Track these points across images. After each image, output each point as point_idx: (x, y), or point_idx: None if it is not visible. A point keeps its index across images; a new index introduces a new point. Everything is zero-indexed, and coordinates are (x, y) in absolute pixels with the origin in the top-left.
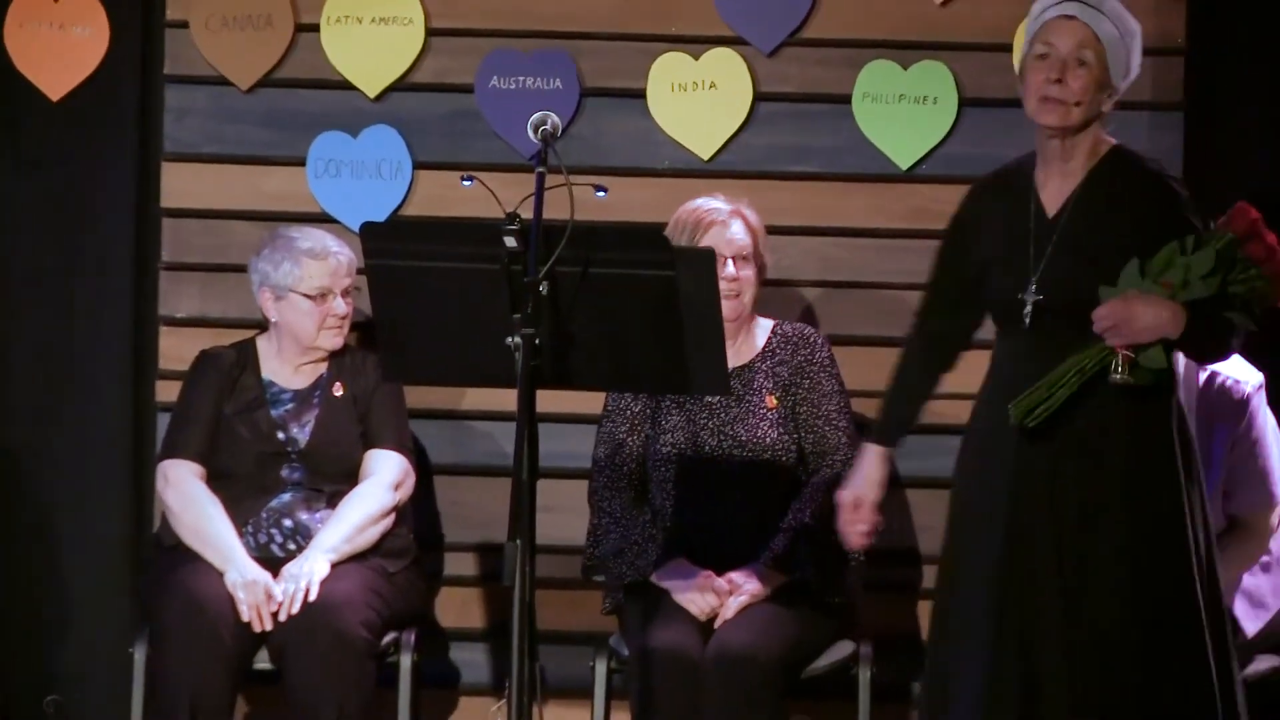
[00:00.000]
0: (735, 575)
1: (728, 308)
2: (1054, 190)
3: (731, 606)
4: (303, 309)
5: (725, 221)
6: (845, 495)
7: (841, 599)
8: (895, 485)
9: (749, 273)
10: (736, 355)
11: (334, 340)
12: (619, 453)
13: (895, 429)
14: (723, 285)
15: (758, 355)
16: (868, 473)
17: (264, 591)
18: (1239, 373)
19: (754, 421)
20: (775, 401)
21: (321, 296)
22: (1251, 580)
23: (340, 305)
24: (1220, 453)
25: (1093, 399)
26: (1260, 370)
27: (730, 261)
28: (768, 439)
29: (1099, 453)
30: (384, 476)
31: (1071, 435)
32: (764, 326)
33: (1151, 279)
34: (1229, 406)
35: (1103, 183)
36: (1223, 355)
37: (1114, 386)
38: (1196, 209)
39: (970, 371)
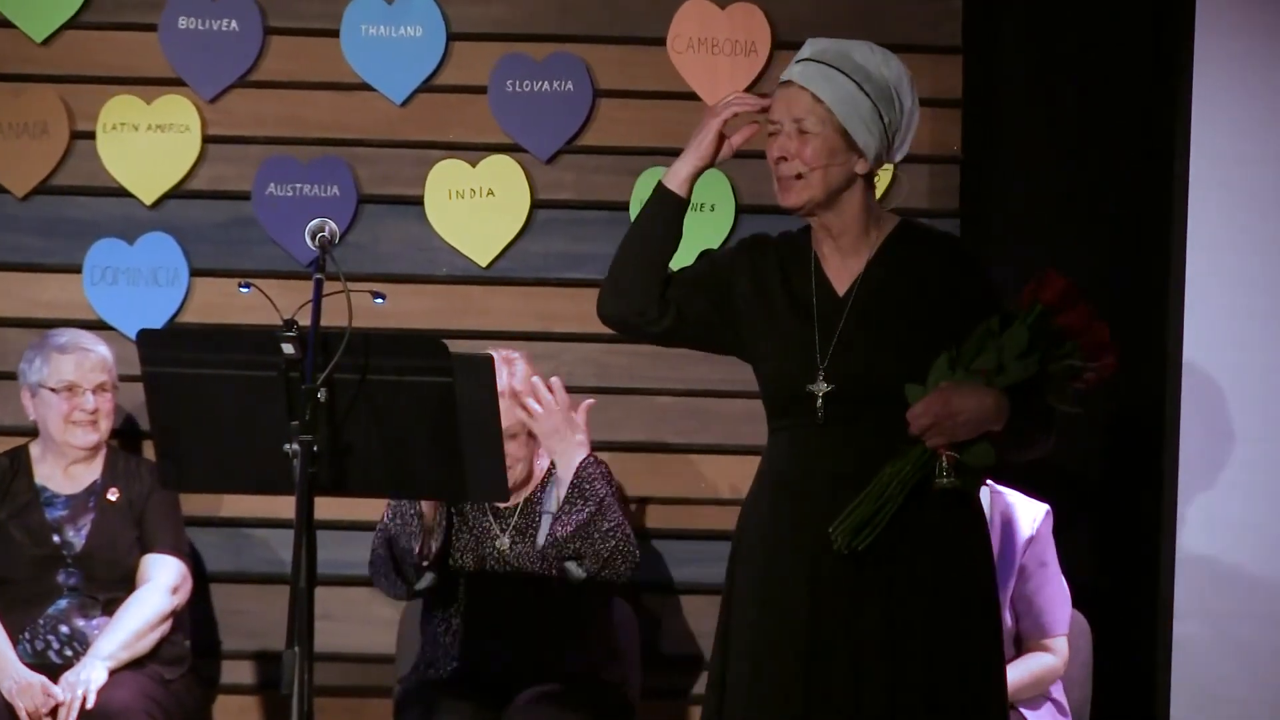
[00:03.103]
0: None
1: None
2: (837, 267)
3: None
4: (50, 403)
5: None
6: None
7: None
8: (670, 592)
9: (520, 450)
10: (519, 491)
11: (85, 437)
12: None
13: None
14: None
15: (537, 486)
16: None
17: (41, 692)
18: (1024, 504)
19: (538, 554)
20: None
21: (69, 390)
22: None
23: (89, 400)
24: (1006, 580)
25: (907, 507)
26: (1050, 499)
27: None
28: (554, 570)
29: (907, 564)
30: (161, 580)
31: (874, 546)
32: (543, 460)
33: (964, 367)
34: (1016, 535)
35: (895, 259)
36: (1043, 446)
37: (930, 493)
38: (994, 283)
39: (743, 479)
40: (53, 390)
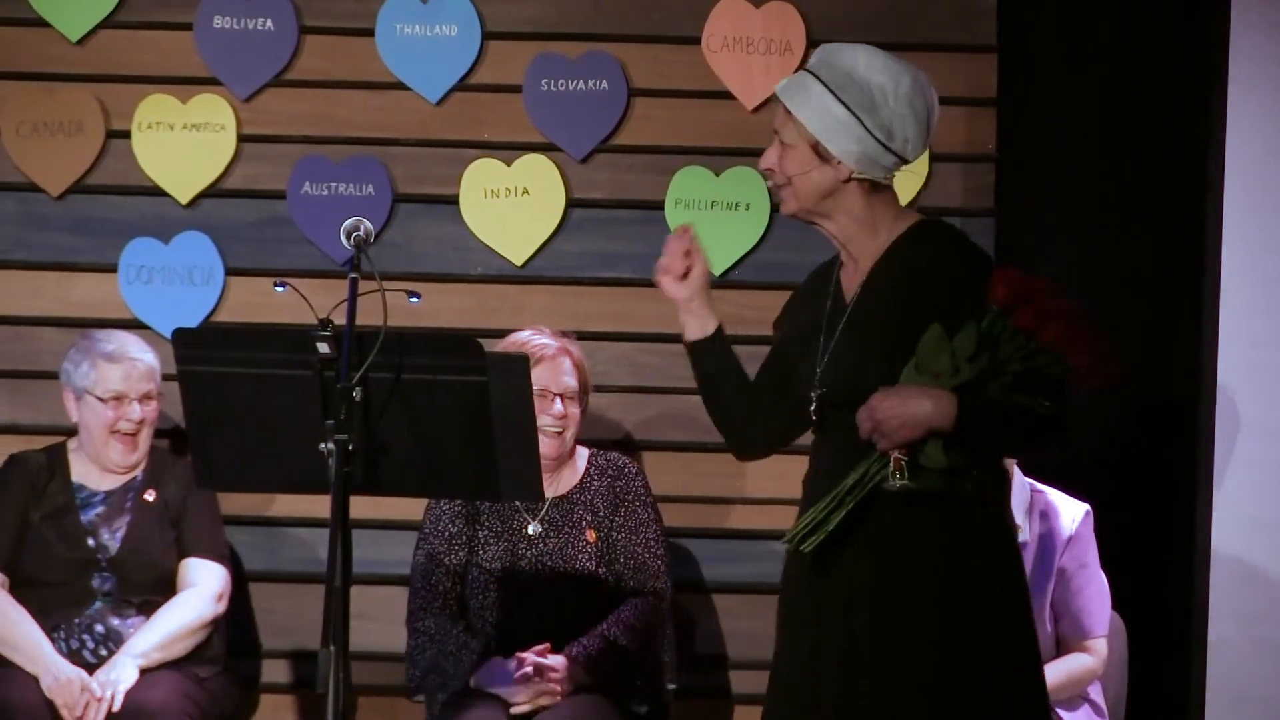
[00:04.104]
0: (550, 662)
1: (550, 445)
2: (850, 276)
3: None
4: (95, 410)
5: (555, 359)
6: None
7: (652, 707)
8: (701, 591)
9: (575, 411)
10: (556, 486)
11: (125, 457)
12: (434, 572)
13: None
14: (548, 421)
15: (576, 486)
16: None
17: (79, 687)
18: (1065, 503)
19: (572, 553)
20: (595, 535)
21: (116, 400)
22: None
23: (135, 410)
24: (1045, 581)
25: (881, 512)
26: (1085, 500)
27: (558, 399)
28: (585, 570)
29: (895, 575)
30: (206, 588)
31: (862, 558)
32: (581, 455)
33: (921, 370)
34: (1055, 536)
35: (896, 262)
36: (1028, 445)
37: (900, 496)
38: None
39: (775, 478)
40: (99, 399)
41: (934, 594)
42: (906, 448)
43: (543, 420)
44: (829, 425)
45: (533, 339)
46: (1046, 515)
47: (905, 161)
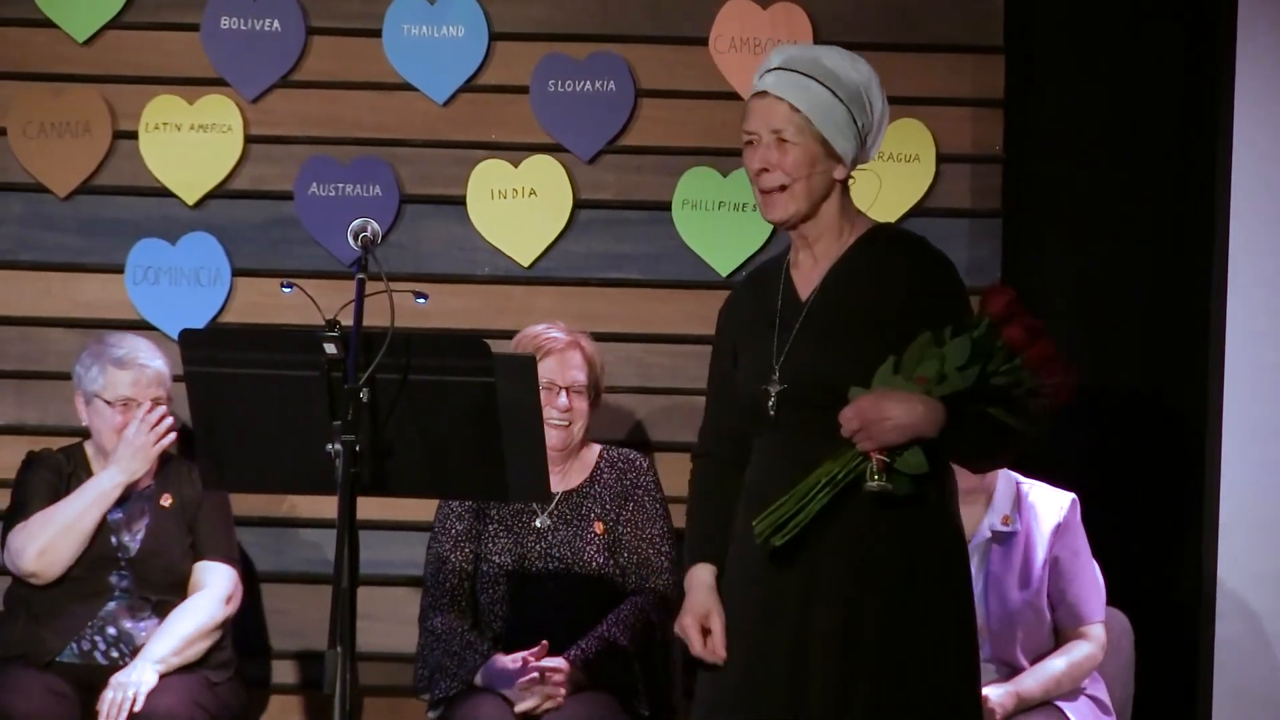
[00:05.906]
0: (553, 663)
1: (556, 436)
2: (806, 273)
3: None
4: (104, 415)
5: (563, 352)
6: (687, 622)
7: (656, 710)
8: None
9: (582, 404)
10: (565, 480)
11: None
12: (442, 570)
13: (711, 543)
14: (554, 414)
15: (585, 480)
16: (702, 593)
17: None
18: (1051, 494)
19: (581, 545)
20: (603, 527)
21: (125, 405)
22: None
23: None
24: (1041, 572)
25: (848, 510)
26: (1071, 489)
27: (564, 393)
28: (594, 563)
29: (857, 574)
30: (215, 590)
31: (825, 553)
32: (592, 450)
33: (905, 375)
34: (1042, 526)
35: (859, 260)
36: (994, 459)
37: (870, 496)
38: (961, 287)
39: None
40: (108, 403)
41: (893, 595)
42: (887, 450)
43: (547, 413)
44: (783, 423)
45: (545, 332)
46: (1034, 507)
47: (862, 164)
